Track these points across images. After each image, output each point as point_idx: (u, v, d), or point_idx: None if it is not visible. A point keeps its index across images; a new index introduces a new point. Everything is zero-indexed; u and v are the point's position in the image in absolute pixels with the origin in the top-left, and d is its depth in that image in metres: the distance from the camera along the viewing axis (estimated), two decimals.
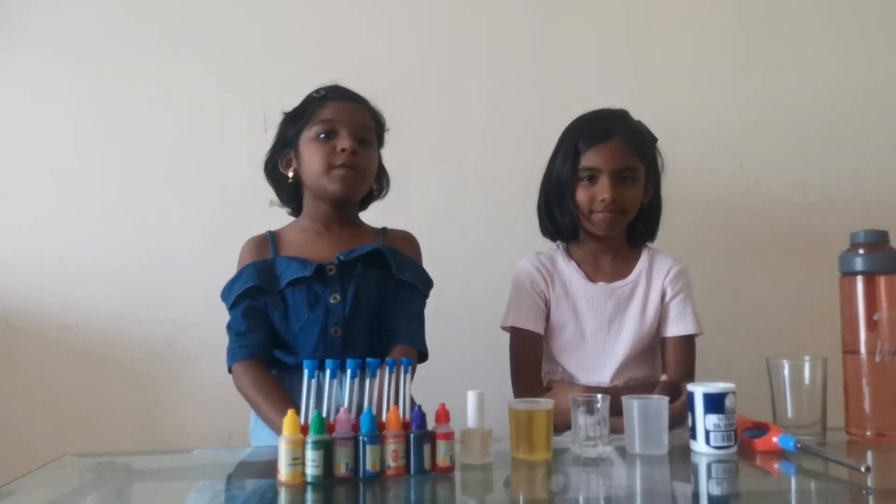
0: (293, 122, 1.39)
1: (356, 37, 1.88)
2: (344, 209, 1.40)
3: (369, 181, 1.40)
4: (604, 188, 1.39)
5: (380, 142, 1.44)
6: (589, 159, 1.41)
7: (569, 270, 1.47)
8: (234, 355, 1.31)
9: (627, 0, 1.92)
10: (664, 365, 1.45)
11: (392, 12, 1.89)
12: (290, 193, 1.44)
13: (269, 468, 0.96)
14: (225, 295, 1.36)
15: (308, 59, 1.84)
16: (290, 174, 1.39)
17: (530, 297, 1.45)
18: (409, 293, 1.37)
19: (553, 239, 1.51)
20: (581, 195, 1.42)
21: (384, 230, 1.44)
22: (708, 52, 1.91)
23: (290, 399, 1.23)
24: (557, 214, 1.46)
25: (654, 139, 1.48)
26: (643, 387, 1.36)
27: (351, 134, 1.34)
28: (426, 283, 1.41)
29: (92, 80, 1.85)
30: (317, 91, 1.39)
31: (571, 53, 1.89)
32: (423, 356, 1.36)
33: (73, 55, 1.85)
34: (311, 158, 1.35)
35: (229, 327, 1.34)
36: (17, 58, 1.84)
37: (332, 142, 1.34)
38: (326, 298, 1.30)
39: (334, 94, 1.37)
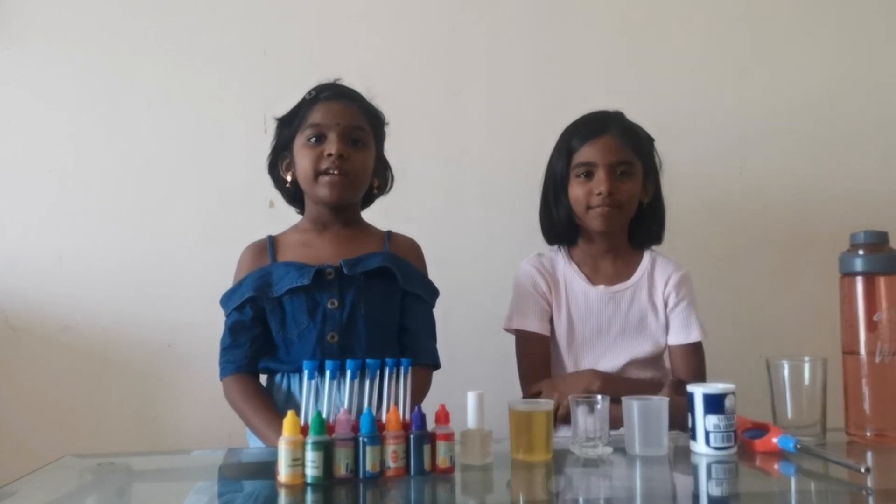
0: (287, 125, 1.37)
1: (356, 37, 1.88)
2: (342, 211, 1.39)
3: (363, 183, 1.37)
4: (600, 181, 1.38)
5: (379, 137, 1.41)
6: (584, 154, 1.40)
7: (570, 273, 1.47)
8: (222, 370, 1.33)
9: (628, 1, 1.92)
10: (674, 373, 1.45)
11: (392, 12, 1.89)
12: (291, 195, 1.43)
13: (269, 469, 0.96)
14: (224, 303, 1.36)
15: (308, 59, 1.84)
16: (289, 178, 1.38)
17: (533, 299, 1.45)
18: (419, 305, 1.38)
19: (552, 242, 1.51)
20: (577, 191, 1.41)
21: (389, 234, 1.42)
22: (708, 52, 1.91)
23: (278, 410, 1.24)
24: (554, 213, 1.46)
25: (651, 139, 1.48)
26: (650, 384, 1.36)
27: (340, 137, 1.30)
28: (433, 294, 1.41)
29: (92, 79, 1.84)
30: (309, 92, 1.35)
31: (571, 53, 1.89)
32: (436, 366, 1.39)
33: (72, 55, 1.85)
34: (301, 163, 1.33)
35: (221, 340, 1.35)
36: (17, 57, 1.84)
37: (321, 146, 1.31)
38: (324, 303, 1.29)
39: (325, 95, 1.34)
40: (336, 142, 1.30)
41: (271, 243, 1.39)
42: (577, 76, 1.88)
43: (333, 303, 1.29)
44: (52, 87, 1.84)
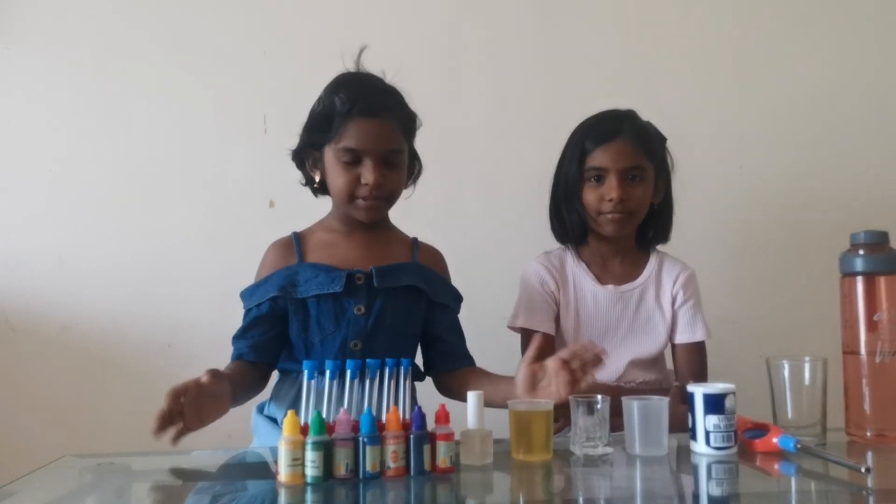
0: (317, 129, 1.30)
1: (356, 36, 1.87)
2: None
3: (397, 198, 1.34)
4: (611, 188, 1.38)
5: (412, 139, 1.36)
6: (595, 159, 1.40)
7: (578, 272, 1.47)
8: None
9: (628, 0, 1.92)
10: (676, 371, 1.46)
11: (392, 12, 1.89)
12: (318, 189, 1.37)
13: (269, 469, 0.96)
14: (245, 298, 1.32)
15: (308, 59, 1.84)
16: (318, 177, 1.33)
17: (541, 298, 1.45)
18: (448, 314, 1.38)
19: (563, 241, 1.50)
20: (589, 196, 1.41)
21: (416, 242, 1.40)
22: (708, 52, 1.91)
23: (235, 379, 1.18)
24: (566, 215, 1.45)
25: (664, 139, 1.47)
26: (654, 391, 1.36)
27: (376, 163, 1.25)
28: (458, 301, 1.41)
29: (92, 79, 1.85)
30: (340, 98, 1.25)
31: (572, 53, 1.90)
32: None
33: (73, 55, 1.85)
34: (335, 180, 1.28)
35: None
36: (17, 58, 1.84)
37: (357, 169, 1.26)
38: (350, 309, 1.26)
39: (360, 110, 1.24)
40: (373, 169, 1.25)
41: (297, 241, 1.34)
42: (578, 76, 1.88)
43: (360, 309, 1.26)
44: (53, 87, 1.84)
